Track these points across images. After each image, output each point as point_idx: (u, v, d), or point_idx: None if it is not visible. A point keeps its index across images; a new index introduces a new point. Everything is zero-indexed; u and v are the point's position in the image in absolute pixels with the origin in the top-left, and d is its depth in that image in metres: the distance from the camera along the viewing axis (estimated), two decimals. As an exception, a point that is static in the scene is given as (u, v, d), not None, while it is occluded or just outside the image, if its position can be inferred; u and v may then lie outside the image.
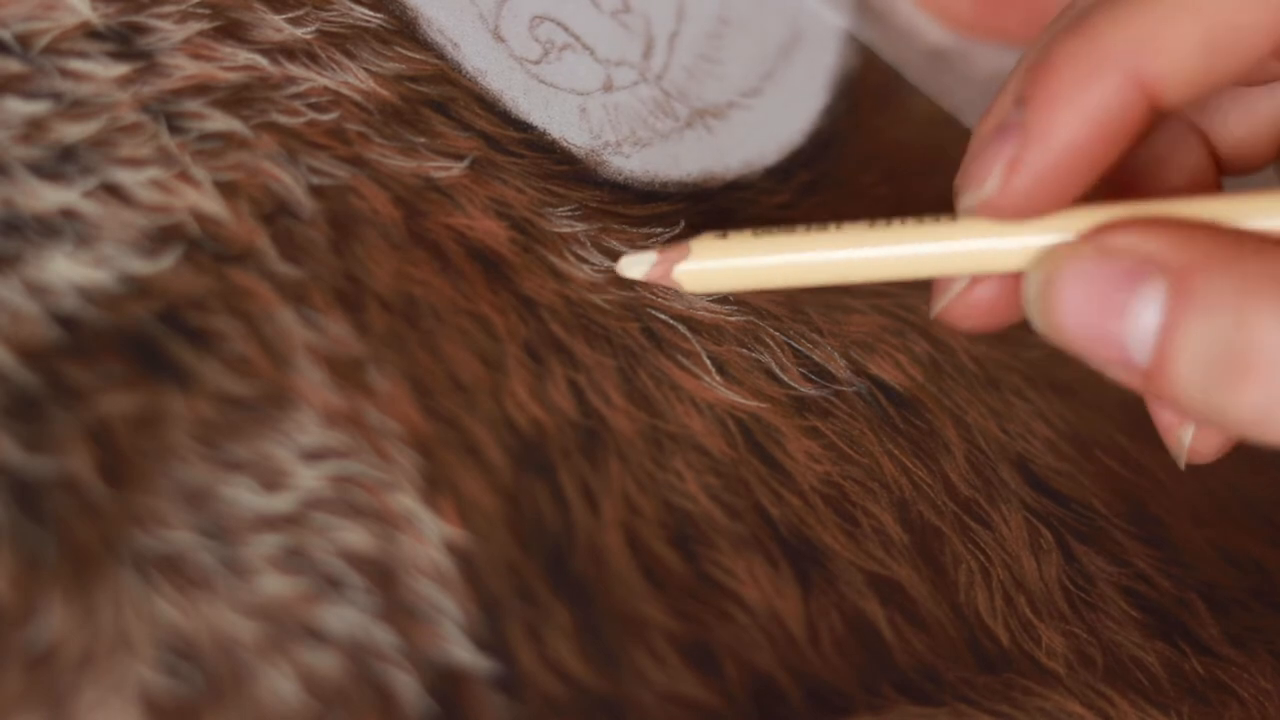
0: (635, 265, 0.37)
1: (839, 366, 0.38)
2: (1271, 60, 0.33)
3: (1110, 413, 0.40)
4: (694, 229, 0.39)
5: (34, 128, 0.34)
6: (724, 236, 0.36)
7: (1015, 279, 0.34)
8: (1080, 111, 0.31)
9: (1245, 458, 0.40)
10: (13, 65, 0.34)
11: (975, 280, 0.35)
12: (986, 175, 0.32)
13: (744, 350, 0.37)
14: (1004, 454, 0.38)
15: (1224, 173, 0.37)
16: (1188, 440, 0.35)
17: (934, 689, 0.34)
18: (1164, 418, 0.35)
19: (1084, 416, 0.40)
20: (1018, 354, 0.40)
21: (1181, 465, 0.35)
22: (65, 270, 0.33)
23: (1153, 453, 0.40)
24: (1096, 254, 0.32)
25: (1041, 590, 0.36)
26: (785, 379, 0.37)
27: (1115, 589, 0.37)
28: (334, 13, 0.38)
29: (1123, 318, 0.31)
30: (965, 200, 0.33)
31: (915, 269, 0.34)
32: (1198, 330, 0.30)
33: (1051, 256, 0.32)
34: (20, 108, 0.34)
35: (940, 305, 0.35)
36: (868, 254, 0.34)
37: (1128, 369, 0.32)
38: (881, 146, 0.43)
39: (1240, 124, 0.36)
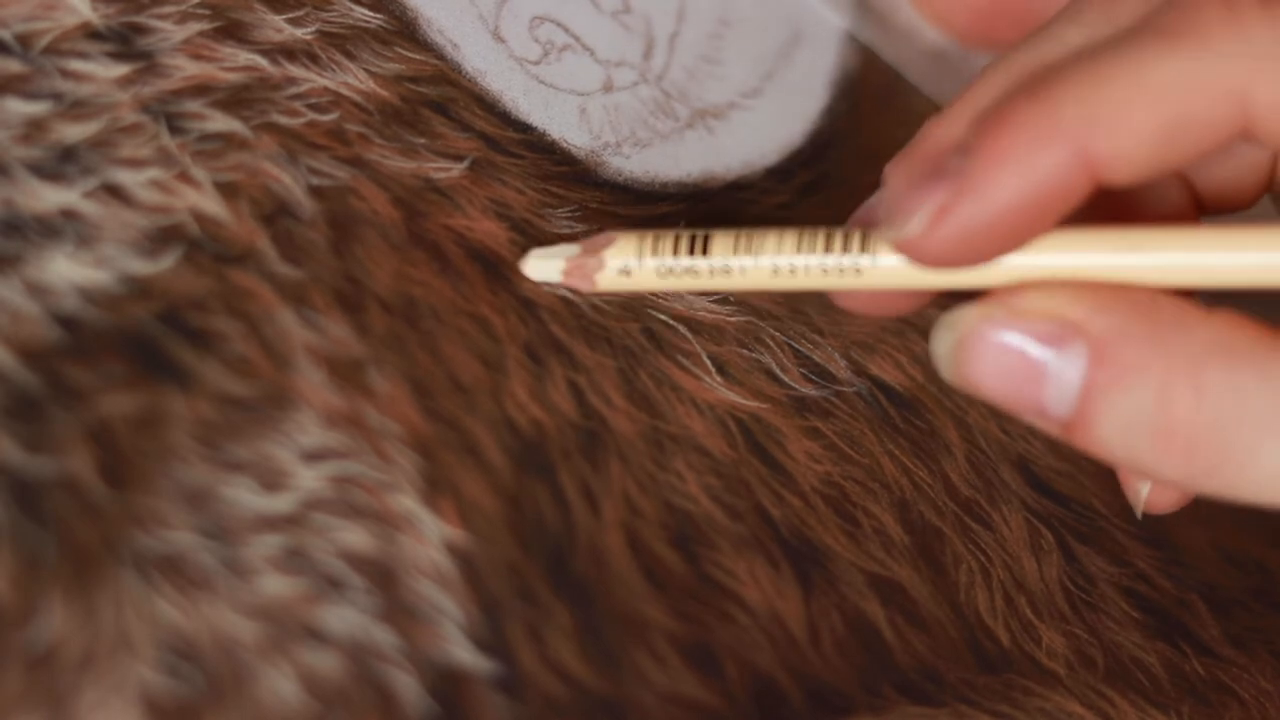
0: (544, 261, 0.37)
1: (839, 367, 0.38)
2: (1233, 140, 0.32)
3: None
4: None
5: (34, 128, 0.34)
6: (637, 251, 0.36)
7: None
8: (1023, 175, 0.30)
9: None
10: (13, 65, 0.34)
11: None
12: (911, 214, 0.31)
13: (744, 350, 0.37)
14: (1004, 454, 0.38)
15: (1205, 212, 0.36)
16: (1145, 493, 0.35)
17: (935, 689, 0.34)
18: (1124, 471, 0.36)
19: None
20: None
21: (1139, 515, 0.36)
22: (65, 270, 0.33)
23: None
24: (1012, 317, 0.32)
25: (1042, 590, 0.36)
26: (785, 379, 0.37)
27: (1116, 589, 0.37)
28: (334, 13, 0.38)
29: (1041, 383, 0.31)
30: (884, 233, 0.32)
31: (805, 283, 0.34)
32: (1118, 400, 0.31)
33: (964, 318, 0.32)
34: (20, 108, 0.34)
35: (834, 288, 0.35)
36: (750, 264, 0.34)
37: (1045, 421, 0.32)
38: (882, 146, 0.43)
39: (1220, 169, 0.36)
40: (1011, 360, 0.32)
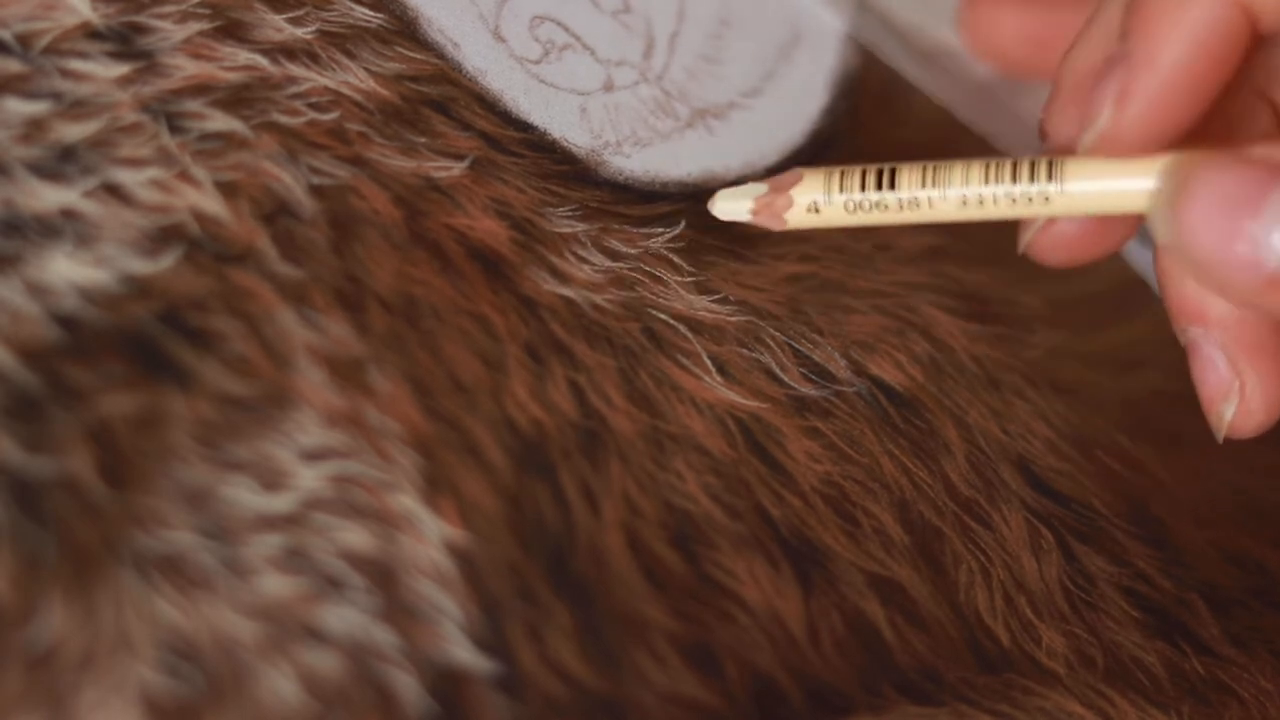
0: (733, 201, 0.37)
1: (839, 366, 0.38)
2: None
3: (1111, 413, 0.40)
4: (696, 229, 0.39)
5: (34, 128, 0.34)
6: (827, 184, 0.36)
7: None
8: (1183, 31, 0.31)
9: (1247, 459, 0.40)
10: (13, 65, 0.34)
11: None
12: (1099, 111, 0.32)
13: (744, 350, 0.37)
14: (1004, 454, 0.38)
15: None
16: (1229, 415, 0.35)
17: (934, 689, 0.34)
18: (1209, 388, 0.35)
19: (1085, 417, 0.40)
20: (1018, 354, 0.40)
21: (1220, 438, 0.35)
22: (65, 270, 0.33)
23: (1154, 453, 0.40)
24: (1233, 160, 0.32)
25: (1042, 590, 0.36)
26: (785, 379, 0.37)
27: (1116, 589, 0.37)
28: (334, 13, 0.38)
29: (1258, 218, 0.31)
30: (1083, 140, 0.33)
31: (993, 212, 0.35)
32: None
33: (1184, 163, 0.32)
34: (20, 108, 0.34)
35: (1026, 239, 0.36)
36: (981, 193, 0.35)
37: (1258, 274, 0.31)
38: (882, 145, 0.43)
39: None
40: (1229, 200, 0.31)
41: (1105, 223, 0.35)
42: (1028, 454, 0.39)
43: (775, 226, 0.36)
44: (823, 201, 0.36)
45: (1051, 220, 0.36)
